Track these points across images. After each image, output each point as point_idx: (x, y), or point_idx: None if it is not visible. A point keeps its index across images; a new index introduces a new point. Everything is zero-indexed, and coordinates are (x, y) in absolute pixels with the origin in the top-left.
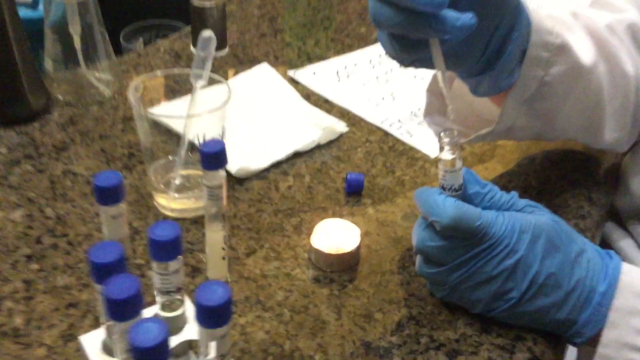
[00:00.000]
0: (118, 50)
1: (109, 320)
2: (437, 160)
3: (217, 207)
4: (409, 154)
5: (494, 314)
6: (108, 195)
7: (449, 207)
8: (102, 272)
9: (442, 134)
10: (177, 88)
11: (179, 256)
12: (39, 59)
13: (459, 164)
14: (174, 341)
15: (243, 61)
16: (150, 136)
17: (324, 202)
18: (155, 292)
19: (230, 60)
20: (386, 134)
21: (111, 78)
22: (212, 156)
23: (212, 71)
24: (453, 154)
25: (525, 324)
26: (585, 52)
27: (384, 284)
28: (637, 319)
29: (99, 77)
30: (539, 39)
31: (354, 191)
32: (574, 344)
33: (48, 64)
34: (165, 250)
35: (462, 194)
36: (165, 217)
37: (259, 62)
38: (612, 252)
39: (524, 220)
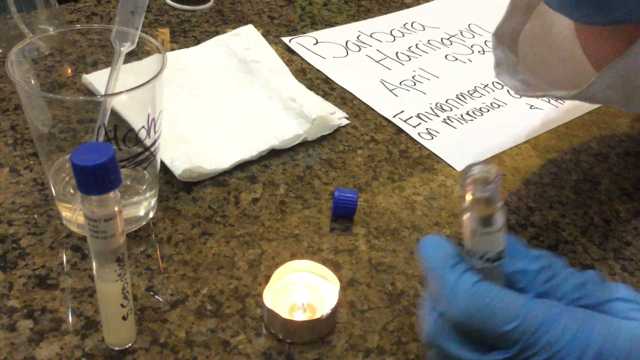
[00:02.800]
0: None
1: None
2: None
3: (108, 246)
4: (426, 163)
5: None
6: None
7: (462, 292)
8: None
9: (470, 168)
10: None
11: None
12: None
13: (499, 220)
14: None
15: (228, 20)
16: (48, 115)
17: (299, 228)
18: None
19: (213, 18)
20: (399, 131)
21: (51, 30)
22: (92, 172)
23: (187, 30)
24: (488, 205)
25: None
26: None
27: None
28: None
29: (39, 28)
30: None
31: (344, 213)
32: None
33: None
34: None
35: (501, 269)
36: (70, 235)
37: (248, 22)
38: None
39: (609, 334)
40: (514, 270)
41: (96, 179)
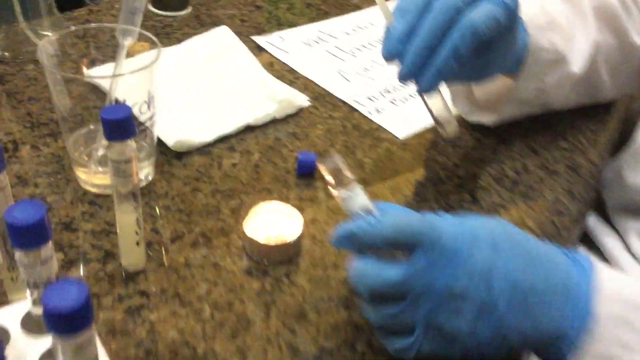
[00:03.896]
0: (80, 4)
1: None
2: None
3: (126, 185)
4: (375, 134)
5: (480, 340)
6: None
7: (387, 220)
8: None
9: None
10: (104, 47)
11: (49, 242)
12: None
13: (353, 185)
14: (48, 343)
15: (205, 23)
16: (68, 101)
17: (270, 184)
18: (25, 287)
19: (191, 22)
20: (352, 110)
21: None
22: (116, 124)
23: (169, 33)
24: (338, 179)
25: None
26: (576, 61)
27: (324, 280)
28: (621, 330)
29: (42, 34)
30: (534, 59)
31: (306, 172)
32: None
33: None
34: (30, 235)
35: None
36: (85, 193)
37: (222, 24)
38: (576, 254)
39: (477, 225)
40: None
41: (119, 128)
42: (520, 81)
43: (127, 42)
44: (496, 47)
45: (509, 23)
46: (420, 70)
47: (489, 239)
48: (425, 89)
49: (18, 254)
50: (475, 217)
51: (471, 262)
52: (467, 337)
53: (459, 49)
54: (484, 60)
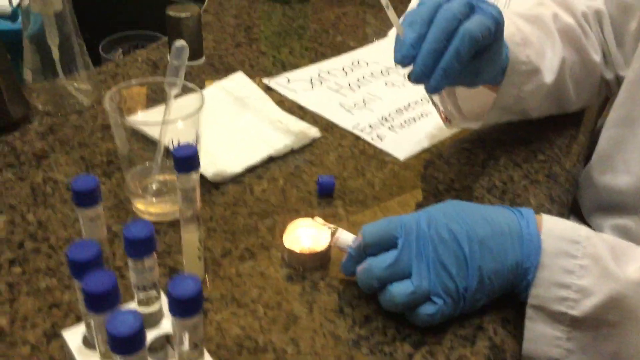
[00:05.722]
0: (97, 61)
1: (88, 313)
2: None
3: (191, 209)
4: (379, 157)
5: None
6: (85, 198)
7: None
8: (80, 268)
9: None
10: (154, 96)
11: (153, 253)
12: (18, 70)
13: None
14: (152, 335)
15: (219, 70)
16: (127, 143)
17: (297, 204)
18: (132, 289)
19: (207, 69)
20: (357, 138)
21: (89, 88)
22: (185, 160)
23: (188, 80)
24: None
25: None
26: (548, 73)
27: (353, 281)
28: (563, 260)
29: (78, 87)
30: (514, 70)
31: (326, 193)
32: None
33: (27, 75)
34: (139, 247)
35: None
36: None
37: (234, 70)
38: (522, 208)
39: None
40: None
41: (188, 162)
42: (502, 89)
43: (174, 93)
44: (488, 53)
45: (497, 34)
46: (430, 72)
47: (451, 214)
48: (434, 88)
49: (130, 262)
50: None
51: (439, 235)
52: (458, 280)
53: (460, 52)
54: (478, 65)
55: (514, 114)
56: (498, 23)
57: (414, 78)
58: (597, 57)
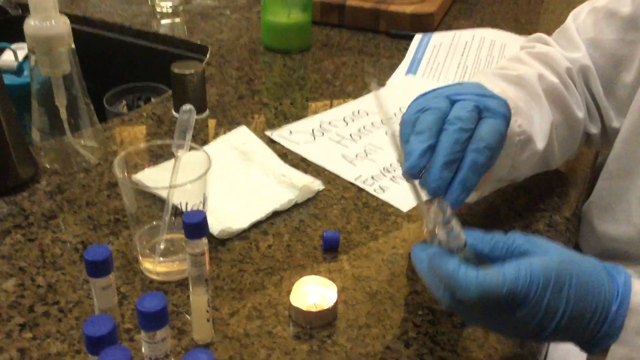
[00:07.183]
0: (101, 113)
1: None
2: (420, 222)
3: (200, 272)
4: (382, 209)
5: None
6: (98, 268)
7: (471, 285)
8: (96, 344)
9: (433, 204)
10: (161, 153)
11: (166, 325)
12: (25, 125)
13: (455, 224)
14: None
15: (222, 123)
16: (135, 203)
17: (303, 260)
18: (144, 359)
19: (210, 123)
20: (360, 190)
21: (96, 145)
22: (194, 226)
23: (193, 134)
24: (448, 220)
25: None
26: (539, 139)
27: (360, 337)
28: None
29: (85, 144)
30: (509, 142)
31: (331, 248)
32: (588, 352)
33: (35, 135)
34: (153, 320)
35: (471, 249)
36: (152, 281)
37: (237, 123)
38: (620, 267)
39: (543, 267)
40: (476, 249)
41: (197, 229)
42: (498, 162)
43: (180, 154)
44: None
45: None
46: (445, 184)
47: (556, 284)
48: (454, 204)
49: (143, 333)
50: (542, 259)
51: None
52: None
53: (478, 163)
54: None
55: (504, 182)
56: (507, 120)
57: (431, 192)
58: (580, 114)
